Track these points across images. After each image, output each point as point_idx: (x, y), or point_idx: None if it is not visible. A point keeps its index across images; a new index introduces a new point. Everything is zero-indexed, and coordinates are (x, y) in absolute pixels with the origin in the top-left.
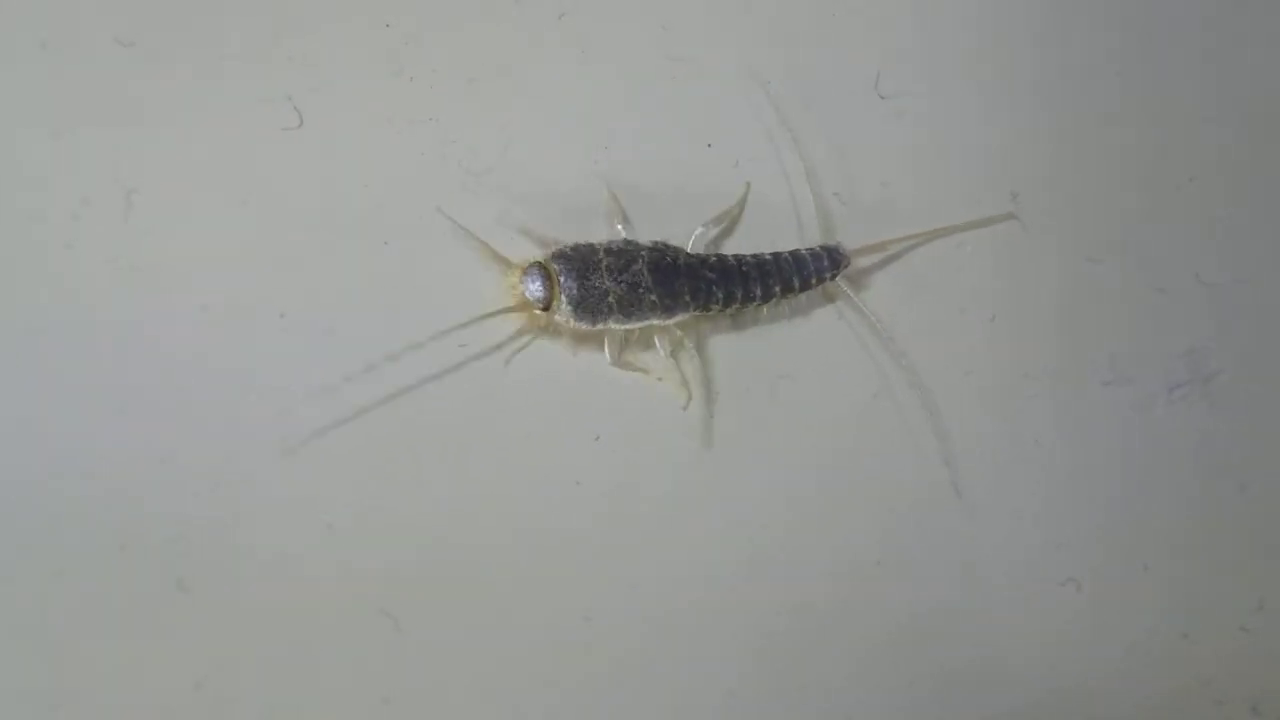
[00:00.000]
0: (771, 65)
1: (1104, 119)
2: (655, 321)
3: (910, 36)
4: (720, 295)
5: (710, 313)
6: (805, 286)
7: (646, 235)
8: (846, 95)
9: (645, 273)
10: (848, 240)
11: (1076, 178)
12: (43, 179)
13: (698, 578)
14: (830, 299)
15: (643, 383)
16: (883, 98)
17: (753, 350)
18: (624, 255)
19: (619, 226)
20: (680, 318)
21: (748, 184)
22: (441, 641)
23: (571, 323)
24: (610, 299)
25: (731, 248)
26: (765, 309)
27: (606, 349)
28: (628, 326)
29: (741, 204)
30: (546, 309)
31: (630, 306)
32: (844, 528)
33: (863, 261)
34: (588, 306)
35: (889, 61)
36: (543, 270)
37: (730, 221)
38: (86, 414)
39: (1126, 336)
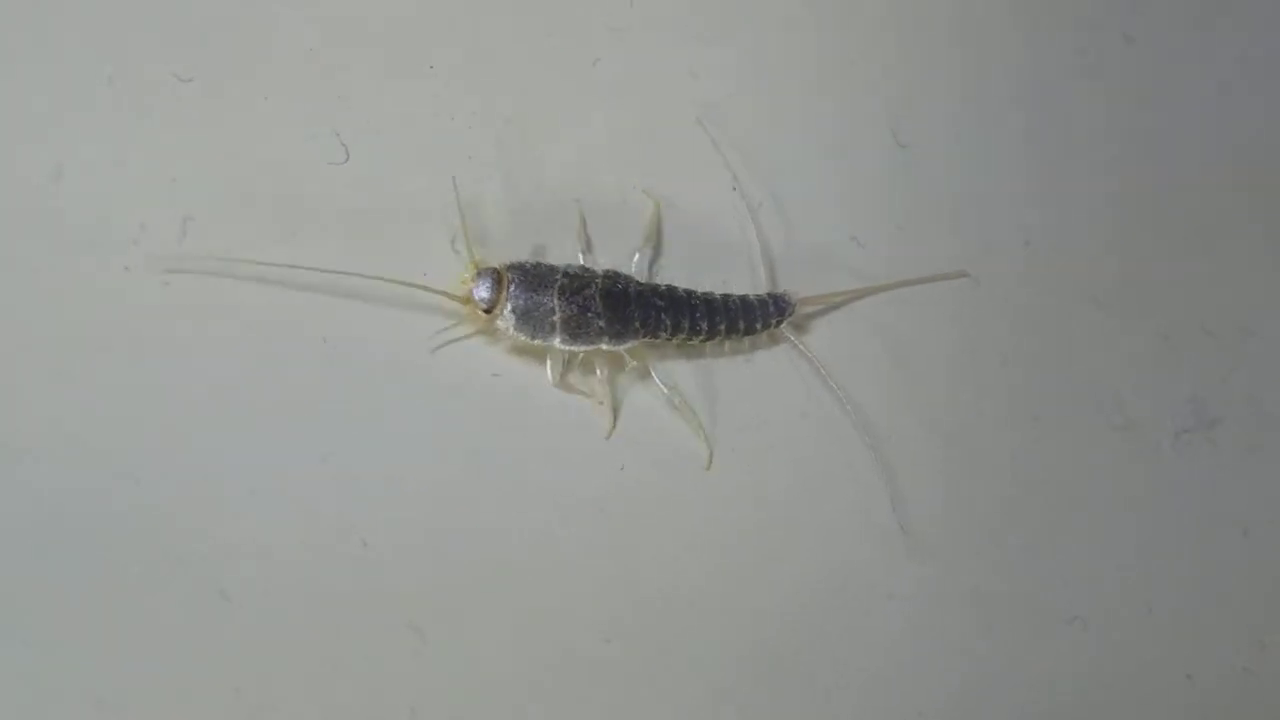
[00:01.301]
0: (795, 112)
1: (1111, 168)
2: (604, 347)
3: (928, 87)
4: (668, 323)
5: (658, 340)
6: (750, 330)
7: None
8: (865, 143)
9: (597, 298)
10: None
11: (1086, 227)
12: (106, 204)
13: (715, 599)
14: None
15: (666, 414)
16: (901, 146)
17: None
18: (579, 280)
19: (579, 253)
20: (629, 344)
21: (657, 203)
22: (465, 655)
23: (512, 331)
24: (555, 318)
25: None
26: (708, 346)
27: (549, 369)
28: (573, 348)
29: (655, 221)
30: (488, 312)
31: (578, 329)
32: (850, 558)
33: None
34: (531, 320)
35: (907, 110)
36: (495, 275)
37: (653, 239)
38: (138, 429)
39: (1132, 382)
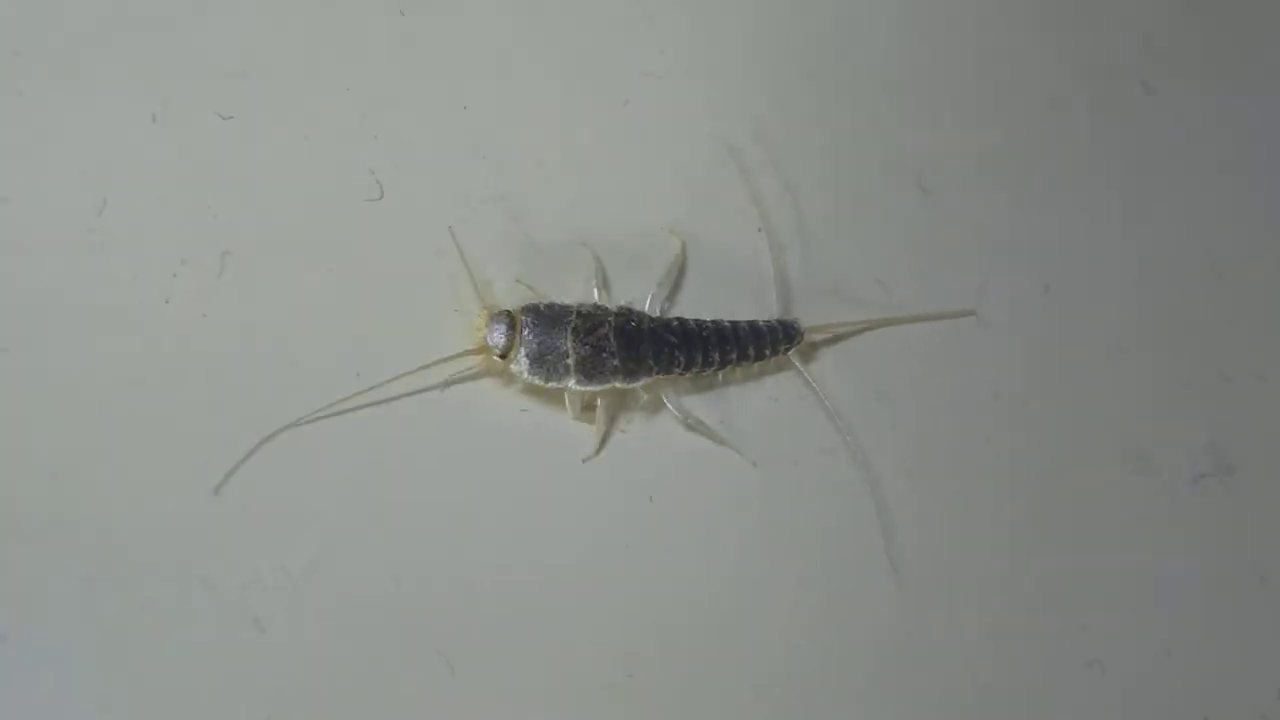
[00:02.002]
0: (820, 156)
1: (1133, 218)
2: (618, 385)
3: (951, 133)
4: (682, 359)
5: (671, 375)
6: (759, 356)
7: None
8: (889, 187)
9: (611, 338)
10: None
11: (1107, 273)
12: (147, 238)
13: (739, 632)
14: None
15: (698, 448)
16: (925, 191)
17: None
18: (592, 319)
19: (594, 290)
20: (643, 381)
21: (683, 242)
22: (493, 686)
23: (526, 376)
24: (569, 360)
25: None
26: (721, 375)
27: (568, 404)
28: (589, 389)
29: (680, 260)
30: (504, 357)
31: (592, 369)
32: (865, 596)
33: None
34: (545, 364)
35: (931, 157)
36: (509, 319)
37: (674, 277)
38: (175, 459)
39: (1151, 426)
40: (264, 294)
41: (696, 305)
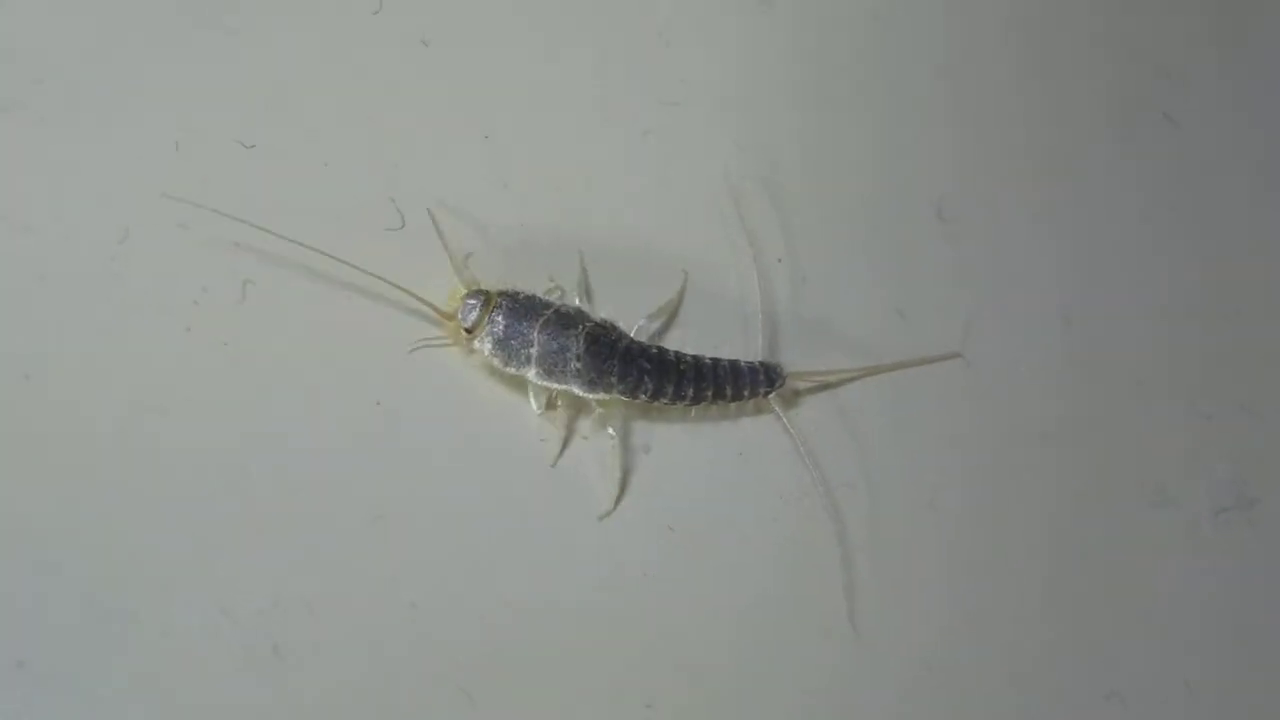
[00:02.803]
0: (839, 186)
1: (1155, 250)
2: (575, 390)
3: (971, 164)
4: (650, 386)
5: (636, 401)
6: (737, 396)
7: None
8: (908, 218)
9: (579, 341)
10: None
11: (1129, 306)
12: (169, 266)
13: (756, 666)
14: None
15: (719, 478)
16: (944, 221)
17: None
18: (567, 319)
19: (577, 299)
20: (600, 396)
21: (685, 274)
22: (511, 714)
23: (486, 354)
24: (532, 350)
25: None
26: (694, 410)
27: (531, 399)
28: (546, 384)
29: (680, 296)
30: (469, 332)
31: (553, 366)
32: (885, 635)
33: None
34: (507, 348)
35: (951, 187)
36: (485, 298)
37: (670, 314)
38: (195, 486)
39: (1173, 460)
40: (285, 322)
41: (701, 336)
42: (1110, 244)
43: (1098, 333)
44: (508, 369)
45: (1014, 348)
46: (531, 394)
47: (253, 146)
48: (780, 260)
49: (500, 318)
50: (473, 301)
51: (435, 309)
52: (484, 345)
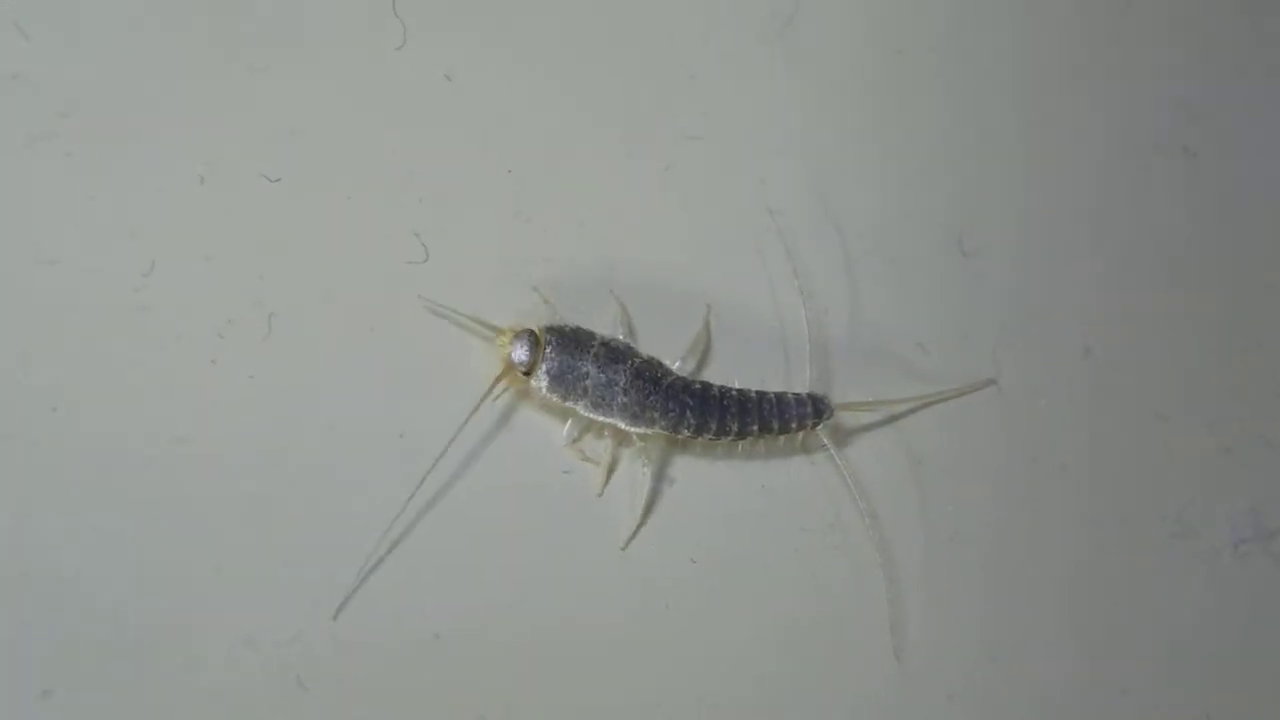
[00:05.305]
0: (862, 220)
1: (1174, 282)
2: (620, 424)
3: (993, 197)
4: (693, 422)
5: (679, 437)
6: (784, 430)
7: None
8: (930, 250)
9: (626, 376)
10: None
11: (1148, 338)
12: (195, 299)
13: (782, 694)
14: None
15: (742, 510)
16: (965, 254)
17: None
18: (615, 353)
19: (621, 335)
20: (643, 430)
21: (708, 307)
22: None
23: (544, 391)
24: (588, 383)
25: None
26: (740, 446)
27: (565, 430)
28: (594, 417)
29: (707, 328)
30: (528, 374)
31: (602, 400)
32: (910, 664)
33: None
34: (564, 382)
35: (972, 219)
36: (533, 337)
37: (703, 349)
38: (220, 518)
39: (1192, 492)
40: (309, 355)
41: (733, 371)
42: (1130, 276)
43: (1118, 364)
44: (566, 403)
45: (1035, 379)
46: (568, 425)
47: (278, 180)
48: (800, 291)
49: (553, 352)
50: (522, 342)
51: (500, 378)
52: (541, 383)
